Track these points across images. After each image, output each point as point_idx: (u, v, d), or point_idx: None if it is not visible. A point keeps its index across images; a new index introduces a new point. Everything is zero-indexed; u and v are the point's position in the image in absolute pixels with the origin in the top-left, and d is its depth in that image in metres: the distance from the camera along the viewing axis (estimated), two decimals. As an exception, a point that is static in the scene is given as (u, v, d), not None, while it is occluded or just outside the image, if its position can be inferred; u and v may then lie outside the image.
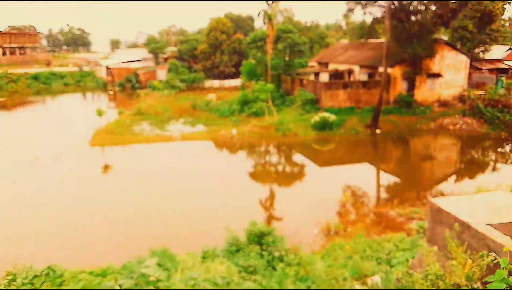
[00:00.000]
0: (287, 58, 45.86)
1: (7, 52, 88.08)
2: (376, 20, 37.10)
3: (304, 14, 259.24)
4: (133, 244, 15.84)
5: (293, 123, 34.55)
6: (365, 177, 25.16)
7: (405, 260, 10.85)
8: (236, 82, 58.94)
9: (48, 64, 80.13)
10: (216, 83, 61.46)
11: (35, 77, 69.37)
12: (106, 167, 26.96)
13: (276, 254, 11.84)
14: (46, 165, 26.23)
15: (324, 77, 44.62)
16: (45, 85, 68.56)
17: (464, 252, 5.18)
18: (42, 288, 8.00)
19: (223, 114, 39.39)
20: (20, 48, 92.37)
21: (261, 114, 37.69)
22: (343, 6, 38.53)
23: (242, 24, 73.53)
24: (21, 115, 48.92)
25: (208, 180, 23.92)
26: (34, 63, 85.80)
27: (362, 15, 39.29)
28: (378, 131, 33.86)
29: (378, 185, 24.08)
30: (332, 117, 33.66)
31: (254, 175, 25.97)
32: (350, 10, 37.36)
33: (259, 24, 76.91)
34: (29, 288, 7.98)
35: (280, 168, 28.52)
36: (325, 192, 21.71)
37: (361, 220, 18.25)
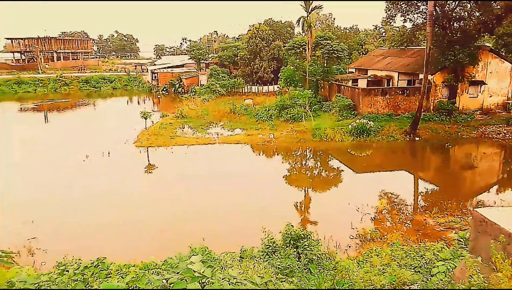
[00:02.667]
0: (325, 65, 46.11)
1: (61, 57, 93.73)
2: (417, 27, 36.68)
3: (343, 21, 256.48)
4: (173, 240, 16.83)
5: (330, 129, 34.77)
6: (402, 185, 25.00)
7: (446, 270, 10.89)
8: (274, 87, 59.71)
9: (81, 69, 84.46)
10: (254, 88, 62.54)
11: (86, 81, 73.68)
12: (149, 167, 28.42)
13: (312, 257, 12.18)
14: (95, 163, 28.06)
15: (363, 84, 44.44)
16: (95, 88, 72.55)
17: (510, 264, 5.00)
18: (90, 280, 8.90)
19: (261, 119, 40.21)
20: (73, 53, 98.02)
21: (298, 119, 38.17)
22: (383, 12, 38.20)
23: (281, 31, 74.31)
24: (74, 116, 52.16)
25: (244, 182, 24.70)
26: (85, 67, 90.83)
27: (403, 22, 38.83)
28: (417, 138, 33.40)
29: (416, 193, 23.87)
30: (370, 124, 33.60)
31: (289, 179, 26.46)
32: (391, 17, 37.16)
33: (298, 31, 77.52)
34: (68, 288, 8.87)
35: (315, 172, 28.84)
36: (361, 198, 21.82)
37: (397, 227, 18.25)
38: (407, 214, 20.00)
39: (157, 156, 31.24)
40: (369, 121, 34.06)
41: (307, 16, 43.38)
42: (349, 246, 16.29)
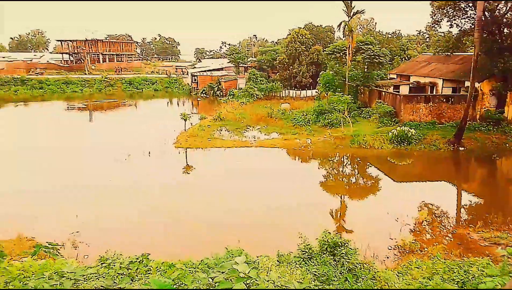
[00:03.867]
0: (365, 70, 45.29)
1: (106, 58, 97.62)
2: (464, 32, 35.29)
3: (386, 26, 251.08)
4: (209, 241, 17.06)
5: (369, 136, 34.07)
6: (444, 196, 24.06)
7: (495, 287, 10.36)
8: (312, 92, 59.32)
9: (119, 71, 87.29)
10: (292, 93, 62.39)
11: (130, 82, 76.40)
12: (187, 168, 28.99)
13: (350, 266, 11.99)
14: (136, 163, 28.96)
15: (405, 90, 43.25)
16: (138, 90, 75.04)
17: None
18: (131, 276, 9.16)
19: (298, 124, 40.02)
20: (117, 55, 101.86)
21: (336, 125, 37.68)
22: (428, 17, 37.03)
23: (321, 35, 73.77)
24: (116, 116, 54.17)
25: (279, 186, 24.65)
26: (129, 69, 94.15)
27: (449, 27, 37.45)
28: (461, 148, 32.05)
29: (459, 205, 22.91)
30: (411, 131, 32.62)
31: (325, 185, 26.15)
32: (436, 22, 35.98)
33: (339, 35, 76.65)
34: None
35: (353, 180, 28.33)
36: (400, 208, 21.21)
37: (438, 240, 17.60)
38: (449, 227, 19.22)
39: (195, 157, 31.81)
40: (411, 128, 33.07)
41: (349, 20, 42.79)
42: (387, 257, 15.85)
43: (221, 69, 77.97)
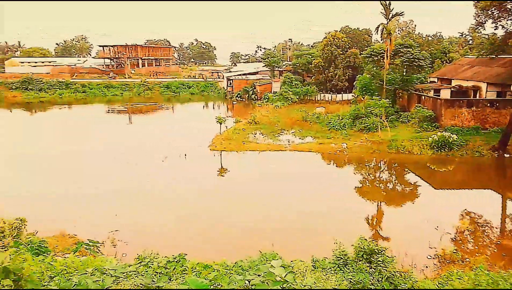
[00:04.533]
0: (404, 73, 44.11)
1: (146, 63, 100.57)
2: (510, 34, 33.61)
3: (426, 28, 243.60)
4: (243, 243, 17.13)
5: (407, 141, 33.10)
6: (488, 205, 22.97)
7: None
8: (348, 96, 58.45)
9: (155, 75, 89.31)
10: (328, 96, 61.74)
11: (167, 86, 78.35)
12: (222, 170, 29.29)
13: (386, 274, 11.69)
14: (173, 164, 29.58)
15: (446, 94, 41.70)
16: (175, 93, 76.80)
17: None
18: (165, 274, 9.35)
19: (334, 128, 39.50)
20: (156, 60, 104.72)
21: (373, 129, 36.88)
22: (470, 19, 35.56)
23: (358, 38, 72.60)
24: (154, 118, 55.63)
25: (313, 190, 24.41)
26: (166, 74, 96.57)
27: (493, 29, 35.76)
28: (506, 155, 30.49)
29: (504, 215, 21.78)
30: (453, 137, 31.40)
31: (361, 191, 25.63)
32: (480, 23, 34.52)
33: (376, 38, 75.12)
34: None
35: (390, 186, 27.60)
36: (440, 216, 20.44)
37: (481, 251, 16.82)
38: (493, 237, 18.34)
39: (229, 160, 32.08)
40: (452, 134, 31.84)
41: (387, 23, 41.89)
42: (426, 266, 15.30)
43: (256, 73, 78.39)
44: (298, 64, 71.11)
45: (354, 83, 49.51)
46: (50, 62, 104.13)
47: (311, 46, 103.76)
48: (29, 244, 13.24)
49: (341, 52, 63.01)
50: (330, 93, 62.62)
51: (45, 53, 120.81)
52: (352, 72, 62.48)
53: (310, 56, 70.09)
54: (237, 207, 21.85)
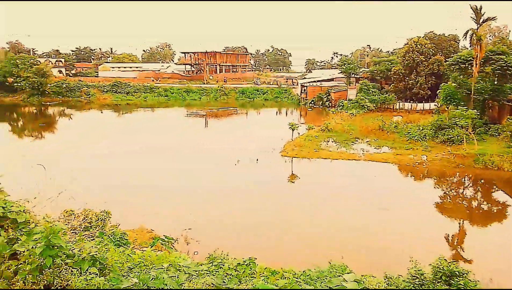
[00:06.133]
0: (495, 82, 40.44)
1: (223, 69, 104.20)
2: None
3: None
4: (311, 252, 16.86)
5: (497, 156, 30.23)
6: None
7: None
8: (430, 105, 55.04)
9: (225, 81, 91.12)
10: (407, 105, 58.74)
11: (242, 92, 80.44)
12: (292, 177, 29.20)
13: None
14: (245, 169, 30.15)
15: (546, 106, 37.45)
16: (249, 99, 78.56)
17: None
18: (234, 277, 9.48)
19: (413, 138, 37.42)
20: (233, 66, 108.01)
21: (457, 142, 34.25)
22: None
23: (443, 44, 68.12)
24: (229, 123, 57.33)
25: (388, 203, 23.29)
26: (242, 79, 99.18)
27: None
28: None
29: None
30: (552, 154, 28.08)
31: (441, 207, 23.91)
32: None
33: (464, 44, 69.91)
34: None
35: (474, 203, 25.40)
36: (534, 240, 18.36)
37: None
38: None
39: (300, 166, 31.87)
40: (552, 150, 28.47)
41: (477, 28, 38.84)
42: (517, 296, 13.79)
43: (331, 79, 77.17)
44: (376, 71, 68.70)
45: (438, 91, 46.41)
46: (137, 67, 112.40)
47: (391, 52, 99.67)
48: (111, 236, 14.29)
49: (424, 59, 59.63)
50: (410, 102, 59.52)
51: (133, 59, 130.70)
52: (435, 80, 58.74)
53: (390, 63, 67.33)
54: (307, 215, 21.61)
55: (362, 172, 30.02)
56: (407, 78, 60.74)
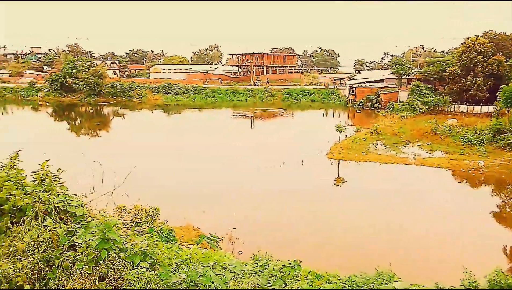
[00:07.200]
0: None
1: (270, 70, 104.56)
2: None
3: None
4: (357, 256, 16.47)
5: None
6: None
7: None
8: (488, 108, 51.94)
9: (267, 82, 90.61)
10: (463, 108, 55.83)
11: (289, 93, 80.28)
12: (338, 180, 28.68)
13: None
14: (290, 170, 30.04)
15: None
16: (296, 100, 78.23)
17: None
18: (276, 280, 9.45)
19: (469, 142, 35.49)
20: (279, 67, 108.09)
21: (518, 147, 32.08)
22: None
23: (504, 44, 64.01)
24: (275, 124, 57.42)
25: (439, 210, 22.25)
26: (289, 80, 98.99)
27: None
28: None
29: None
30: None
31: (499, 216, 22.46)
32: None
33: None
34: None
35: (539, 215, 23.60)
36: None
37: None
38: None
39: (347, 169, 31.25)
40: None
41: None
42: None
43: (381, 80, 74.94)
44: (429, 72, 65.90)
45: (497, 94, 43.75)
46: (186, 69, 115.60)
47: (446, 52, 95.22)
48: (160, 232, 14.77)
49: (482, 59, 56.39)
50: (466, 104, 56.52)
51: (182, 61, 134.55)
52: (494, 82, 55.33)
53: (444, 64, 64.38)
54: (353, 220, 21.13)
55: (413, 177, 28.91)
56: (463, 80, 57.75)
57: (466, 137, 36.68)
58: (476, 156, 32.02)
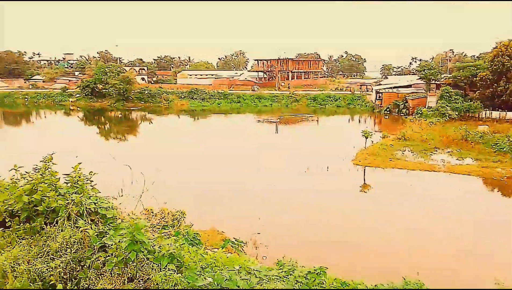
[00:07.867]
0: None
1: (295, 76, 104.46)
2: None
3: None
4: (383, 265, 16.14)
5: None
6: None
7: None
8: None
9: (288, 87, 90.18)
10: (495, 114, 54.04)
11: (314, 99, 79.97)
12: (364, 186, 28.23)
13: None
14: (314, 176, 29.81)
15: None
16: (321, 106, 77.78)
17: None
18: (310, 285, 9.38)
19: (502, 150, 34.27)
20: (305, 73, 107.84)
21: (556, 155, 30.74)
22: None
23: (540, 47, 61.66)
24: (300, 130, 57.21)
25: (471, 221, 21.53)
26: (314, 86, 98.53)
27: None
28: None
29: None
30: None
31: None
32: None
33: None
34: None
35: None
36: None
37: None
38: None
39: (373, 176, 30.73)
40: None
41: None
42: None
43: (409, 86, 73.57)
44: (459, 77, 64.23)
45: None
46: (212, 74, 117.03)
47: (477, 57, 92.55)
48: (185, 235, 14.96)
49: (515, 64, 54.53)
50: (498, 110, 54.70)
51: (208, 67, 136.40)
52: (529, 87, 53.39)
53: (475, 68, 62.64)
54: (379, 225, 20.75)
55: (442, 184, 28.13)
56: (495, 85, 55.99)
57: (498, 144, 35.43)
58: (509, 163, 30.88)
